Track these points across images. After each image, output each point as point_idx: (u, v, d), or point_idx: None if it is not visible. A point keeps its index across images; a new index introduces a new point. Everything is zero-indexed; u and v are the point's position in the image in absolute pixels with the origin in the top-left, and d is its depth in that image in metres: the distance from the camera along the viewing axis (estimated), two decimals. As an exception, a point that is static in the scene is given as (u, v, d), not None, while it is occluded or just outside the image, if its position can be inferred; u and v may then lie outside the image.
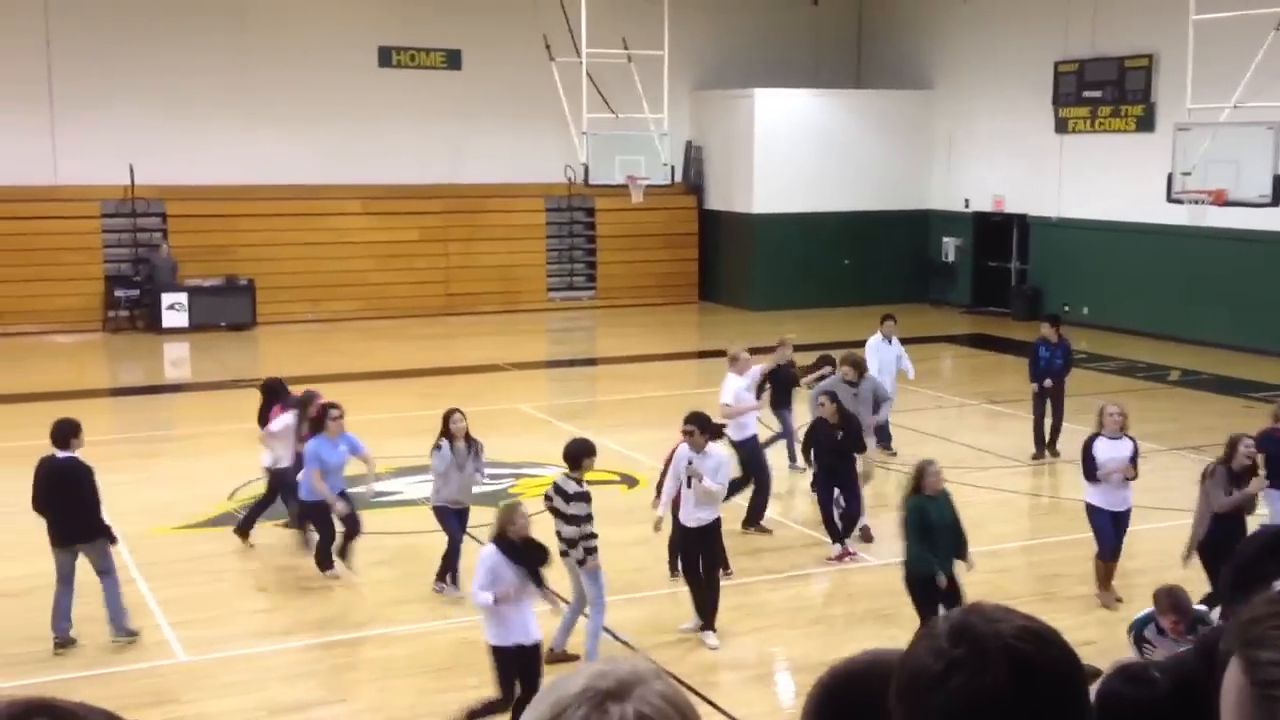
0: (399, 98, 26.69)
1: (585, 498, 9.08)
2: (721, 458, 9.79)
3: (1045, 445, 14.98)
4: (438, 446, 10.47)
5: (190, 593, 10.38)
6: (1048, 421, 14.90)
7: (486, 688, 8.56)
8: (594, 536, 9.10)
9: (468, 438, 10.55)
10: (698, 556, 9.74)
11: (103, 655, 9.25)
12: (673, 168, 25.16)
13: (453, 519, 10.58)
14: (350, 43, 26.21)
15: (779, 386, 13.76)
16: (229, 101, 25.30)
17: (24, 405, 18.08)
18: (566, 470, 9.24)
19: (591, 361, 24.31)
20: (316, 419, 10.89)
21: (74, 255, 24.38)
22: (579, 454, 9.16)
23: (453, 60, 27.20)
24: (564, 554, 9.09)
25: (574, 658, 9.11)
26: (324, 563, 10.88)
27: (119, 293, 24.53)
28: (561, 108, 24.05)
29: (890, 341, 15.02)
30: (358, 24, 26.25)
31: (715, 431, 10.13)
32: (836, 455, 11.57)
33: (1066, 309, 25.78)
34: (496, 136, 27.52)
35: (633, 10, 24.98)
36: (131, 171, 24.37)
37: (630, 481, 13.95)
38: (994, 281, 28.05)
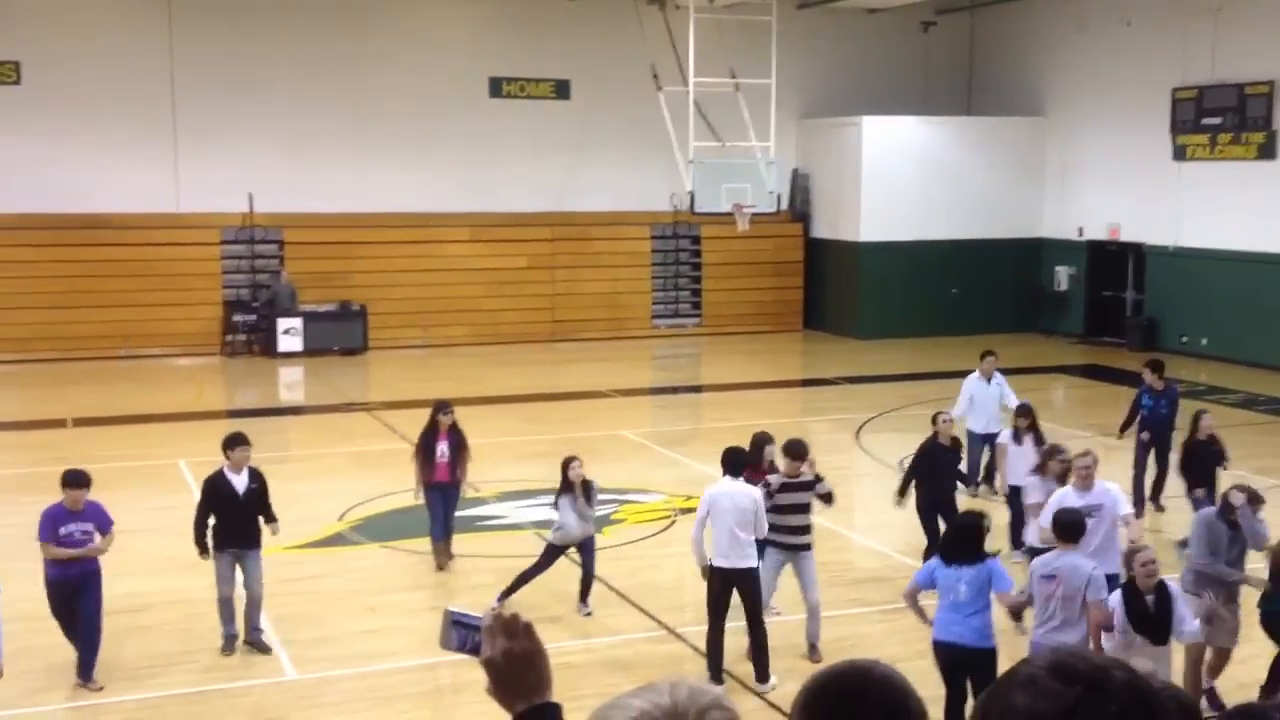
0: (509, 127, 27.11)
1: (810, 486, 9.88)
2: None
3: (1147, 498, 13.89)
4: (562, 494, 10.73)
5: (300, 612, 10.62)
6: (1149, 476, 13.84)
7: (584, 711, 8.61)
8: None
9: (584, 481, 10.74)
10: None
11: (216, 671, 9.50)
12: (779, 196, 25.18)
13: (555, 554, 10.78)
14: (462, 74, 26.71)
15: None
16: (344, 132, 25.93)
17: (149, 426, 18.69)
18: (788, 467, 9.85)
19: (696, 389, 24.35)
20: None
21: (195, 281, 25.15)
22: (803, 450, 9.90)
23: (561, 90, 27.57)
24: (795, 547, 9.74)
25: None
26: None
27: (237, 317, 25.23)
28: (668, 136, 24.23)
29: (989, 381, 14.19)
30: (469, 56, 26.75)
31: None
32: (947, 480, 11.47)
33: (1184, 340, 25.20)
34: (604, 165, 27.79)
35: (740, 39, 25.07)
36: (250, 200, 25.09)
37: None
38: (1108, 312, 27.49)
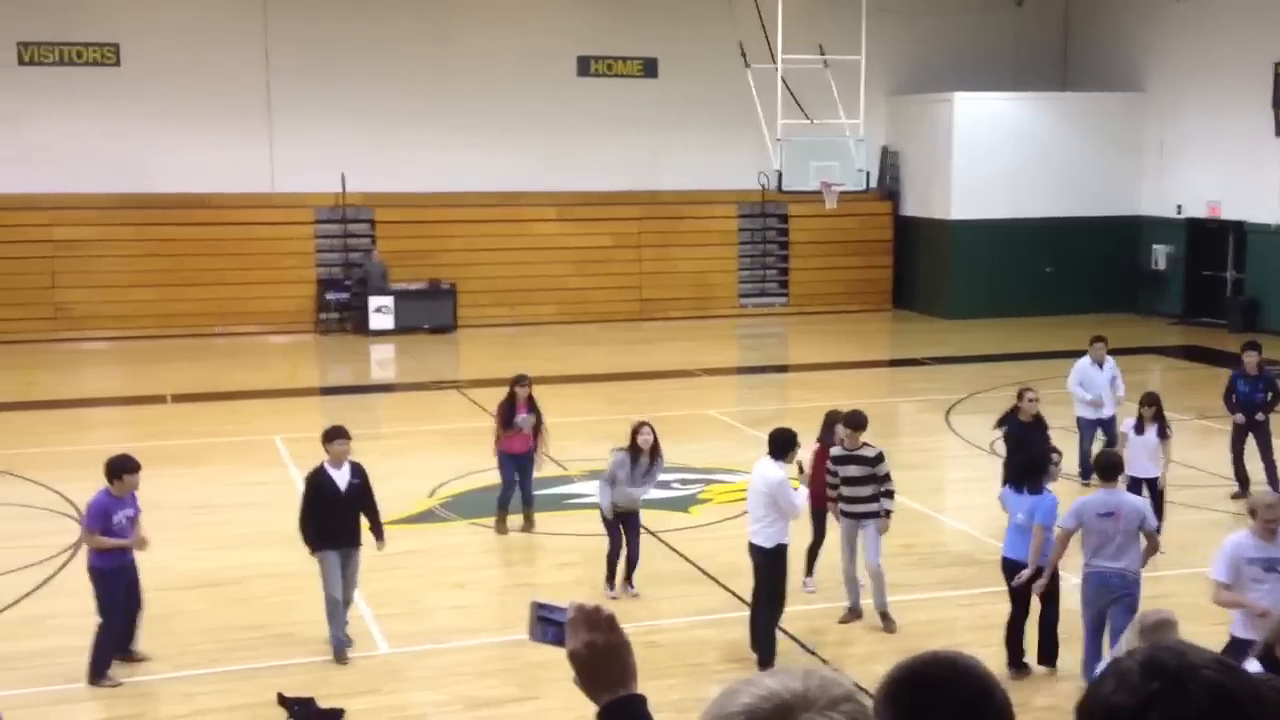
0: (596, 106, 27.14)
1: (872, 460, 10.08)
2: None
3: (1248, 485, 13.25)
4: (622, 452, 10.70)
5: (392, 587, 10.78)
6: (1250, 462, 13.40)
7: (671, 690, 8.66)
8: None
9: (653, 451, 10.67)
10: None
11: (310, 644, 9.69)
12: (868, 173, 24.92)
13: (615, 524, 10.71)
14: (550, 53, 26.79)
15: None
16: (435, 111, 26.16)
17: (245, 402, 19.08)
18: (849, 439, 10.11)
19: (783, 368, 24.26)
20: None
21: (289, 260, 25.59)
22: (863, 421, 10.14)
23: (649, 68, 27.52)
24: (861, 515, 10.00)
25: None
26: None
27: (330, 296, 25.63)
28: (756, 114, 24.08)
29: (1101, 366, 13.68)
30: (557, 35, 26.82)
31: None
32: (1037, 461, 11.31)
33: (1286, 321, 24.53)
34: (691, 143, 27.71)
35: (829, 16, 24.83)
36: (343, 180, 25.43)
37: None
38: (1208, 291, 26.84)
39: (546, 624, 2.35)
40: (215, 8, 25.04)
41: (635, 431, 10.80)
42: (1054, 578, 9.06)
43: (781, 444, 9.54)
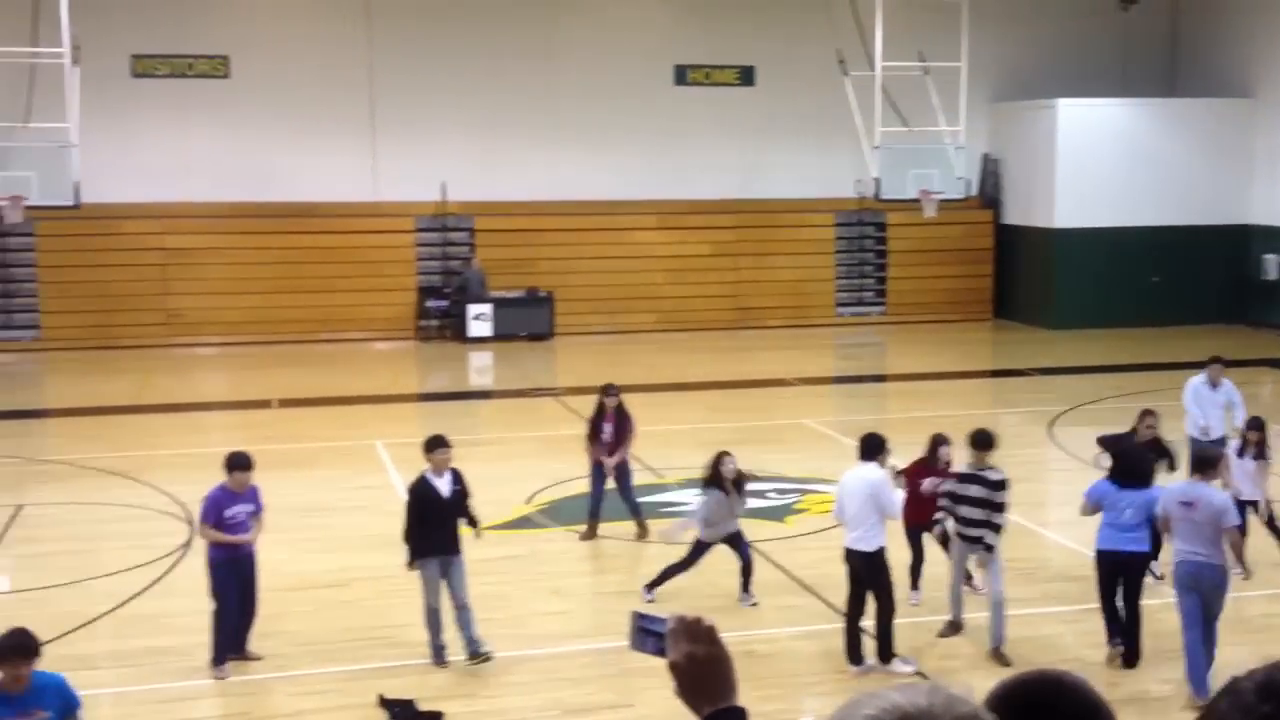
0: (694, 115, 27.20)
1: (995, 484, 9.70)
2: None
3: None
4: (708, 486, 10.64)
5: (489, 592, 10.90)
6: None
7: (769, 701, 8.66)
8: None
9: (737, 478, 10.65)
10: None
11: (411, 647, 9.84)
12: (968, 181, 24.66)
13: (703, 550, 10.69)
14: (648, 62, 26.91)
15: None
16: (533, 121, 26.42)
17: (348, 408, 19.45)
18: (975, 458, 9.77)
19: (880, 378, 24.06)
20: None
21: (391, 268, 26.02)
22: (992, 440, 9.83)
23: (746, 77, 27.52)
24: (973, 539, 9.70)
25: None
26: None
27: (430, 303, 26.00)
28: (854, 122, 23.97)
29: (1216, 387, 13.25)
30: (655, 44, 26.93)
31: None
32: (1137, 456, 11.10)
33: (1406, 333, 23.74)
34: (788, 152, 27.64)
35: (929, 22, 24.61)
36: (444, 188, 25.81)
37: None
38: (1322, 302, 26.06)
39: (647, 634, 2.36)
40: (322, 20, 25.58)
41: (717, 463, 10.67)
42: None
43: (871, 447, 9.60)
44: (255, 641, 9.74)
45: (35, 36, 21.51)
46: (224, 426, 18.64)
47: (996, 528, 9.68)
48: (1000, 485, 9.66)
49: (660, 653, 2.31)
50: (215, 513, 9.37)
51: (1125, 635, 9.46)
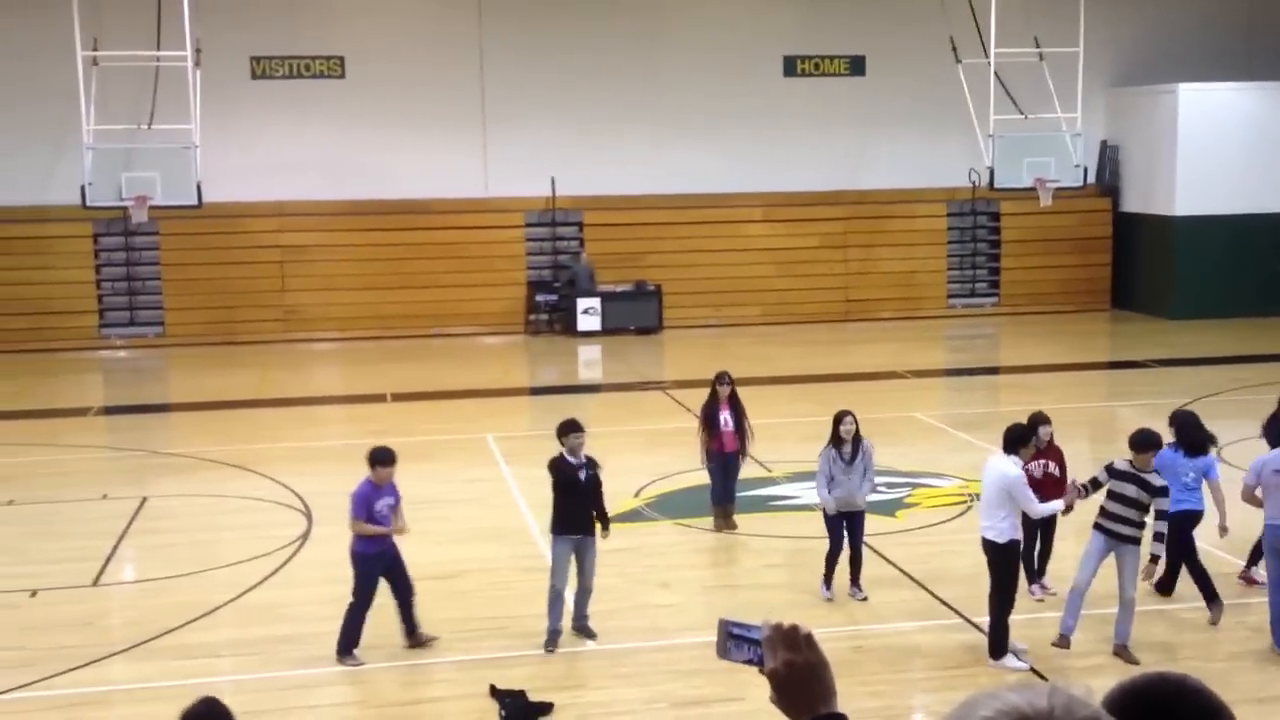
0: (802, 106, 27.01)
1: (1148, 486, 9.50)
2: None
3: None
4: (829, 448, 10.69)
5: (600, 585, 10.94)
6: None
7: (877, 697, 8.58)
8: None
9: (855, 439, 10.61)
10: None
11: (525, 638, 9.95)
12: (1085, 169, 24.10)
13: (836, 522, 10.66)
14: (755, 53, 26.78)
15: None
16: (641, 114, 26.48)
17: (459, 401, 19.72)
18: (1136, 459, 9.57)
19: (993, 370, 23.65)
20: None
21: (501, 263, 26.30)
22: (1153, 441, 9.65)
23: (856, 66, 27.23)
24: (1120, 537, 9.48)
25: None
26: None
27: (539, 298, 26.23)
28: (967, 110, 23.58)
29: None
30: (763, 35, 26.79)
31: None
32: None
33: None
34: (899, 141, 27.30)
35: (1045, 6, 24.12)
36: (553, 184, 26.00)
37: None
38: None
39: (739, 641, 2.31)
40: (433, 20, 25.94)
41: (838, 421, 10.74)
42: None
43: (1012, 439, 9.56)
44: (373, 631, 9.89)
45: (159, 40, 22.17)
46: (339, 420, 19.05)
47: (1162, 536, 9.51)
48: (1163, 491, 9.48)
49: (753, 661, 2.27)
50: (365, 507, 9.59)
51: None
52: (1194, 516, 10.41)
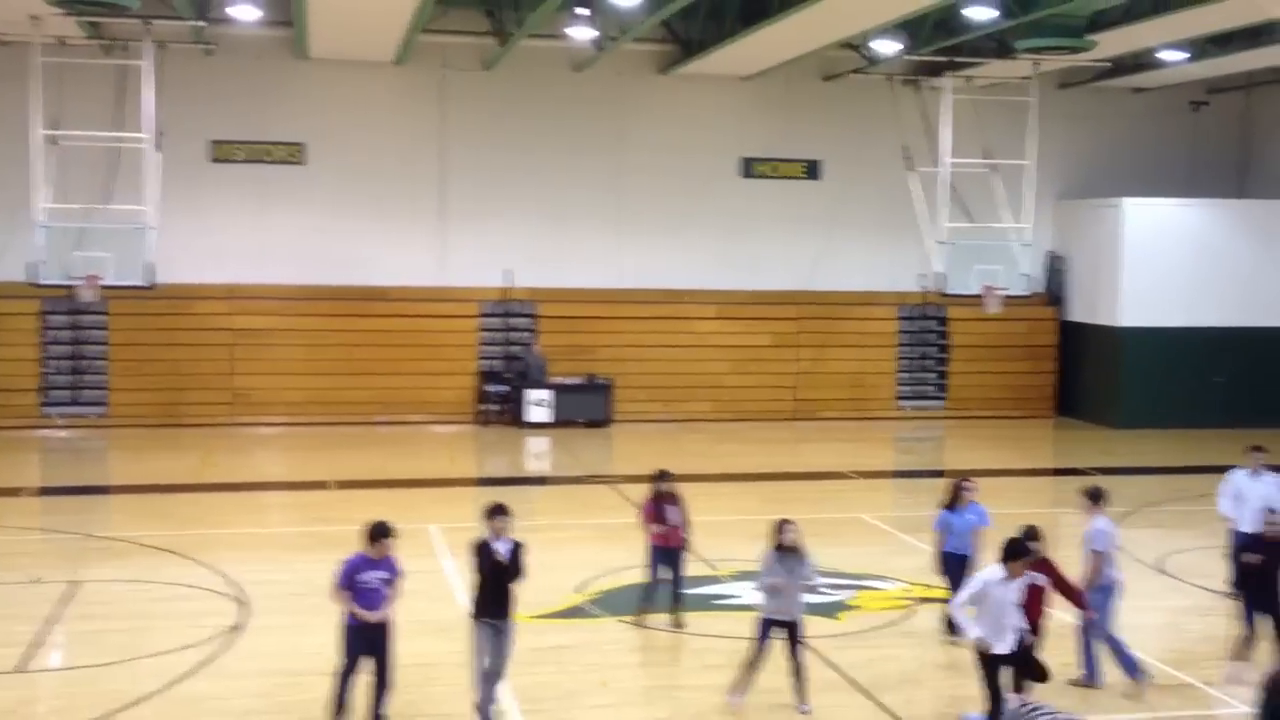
0: (760, 207, 27.40)
1: None
2: None
3: None
4: (772, 558, 10.51)
5: (539, 681, 10.82)
6: None
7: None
8: None
9: (795, 547, 10.51)
10: None
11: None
12: (1032, 278, 24.53)
13: (767, 631, 10.46)
14: (716, 154, 27.21)
15: None
16: (601, 210, 26.76)
17: (404, 490, 19.54)
18: None
19: (939, 473, 23.68)
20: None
21: (453, 352, 26.28)
22: None
23: (812, 170, 27.70)
24: None
25: None
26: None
27: (489, 388, 26.18)
28: (919, 217, 24.02)
29: (1257, 477, 13.53)
30: (723, 137, 27.23)
31: None
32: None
33: None
34: (853, 245, 27.72)
35: (997, 119, 24.69)
36: (509, 275, 26.11)
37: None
38: (1397, 407, 25.49)
39: None
40: (395, 109, 26.17)
41: (779, 530, 10.62)
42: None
43: (1012, 552, 9.61)
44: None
45: (121, 121, 22.21)
46: (281, 506, 18.81)
47: None
48: None
49: None
50: (348, 577, 9.57)
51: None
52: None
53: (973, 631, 9.48)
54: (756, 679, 10.43)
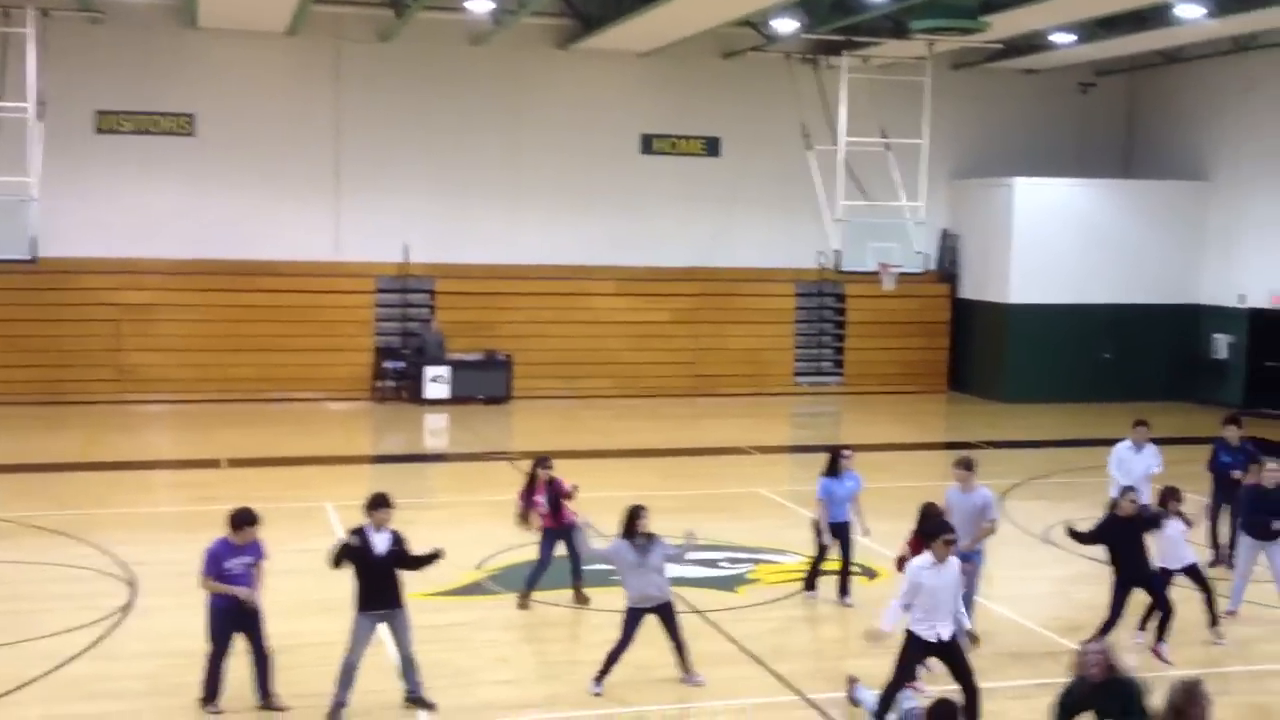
0: (659, 183, 27.43)
1: None
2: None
3: (1222, 553, 13.92)
4: (622, 539, 10.39)
5: (436, 659, 10.75)
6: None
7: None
8: None
9: (647, 533, 10.38)
10: None
11: (362, 715, 9.66)
12: (926, 255, 24.94)
13: (637, 620, 10.35)
14: (614, 131, 27.15)
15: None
16: (499, 186, 26.57)
17: (299, 469, 19.26)
18: None
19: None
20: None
21: (349, 328, 25.93)
22: None
23: (711, 147, 27.79)
24: None
25: None
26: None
27: (387, 364, 25.89)
28: (816, 195, 24.26)
29: (1140, 449, 14.16)
30: (622, 113, 27.19)
31: None
32: (1141, 555, 11.18)
33: (1353, 414, 24.11)
34: (751, 222, 27.90)
35: (893, 99, 24.99)
36: (406, 250, 25.82)
37: (870, 574, 13.70)
38: (1271, 382, 26.44)
39: None
40: (289, 80, 25.66)
41: (635, 515, 10.46)
42: None
43: (926, 534, 9.83)
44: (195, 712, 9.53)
45: (1, 90, 21.46)
46: (170, 485, 18.43)
47: None
48: None
49: None
50: (214, 565, 9.57)
51: None
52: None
53: (887, 619, 9.38)
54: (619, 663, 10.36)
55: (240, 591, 9.52)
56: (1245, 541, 12.25)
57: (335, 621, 10.86)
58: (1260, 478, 12.20)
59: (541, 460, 12.58)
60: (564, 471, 12.75)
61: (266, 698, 9.73)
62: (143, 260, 24.91)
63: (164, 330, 24.90)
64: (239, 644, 9.71)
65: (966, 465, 11.77)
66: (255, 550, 9.78)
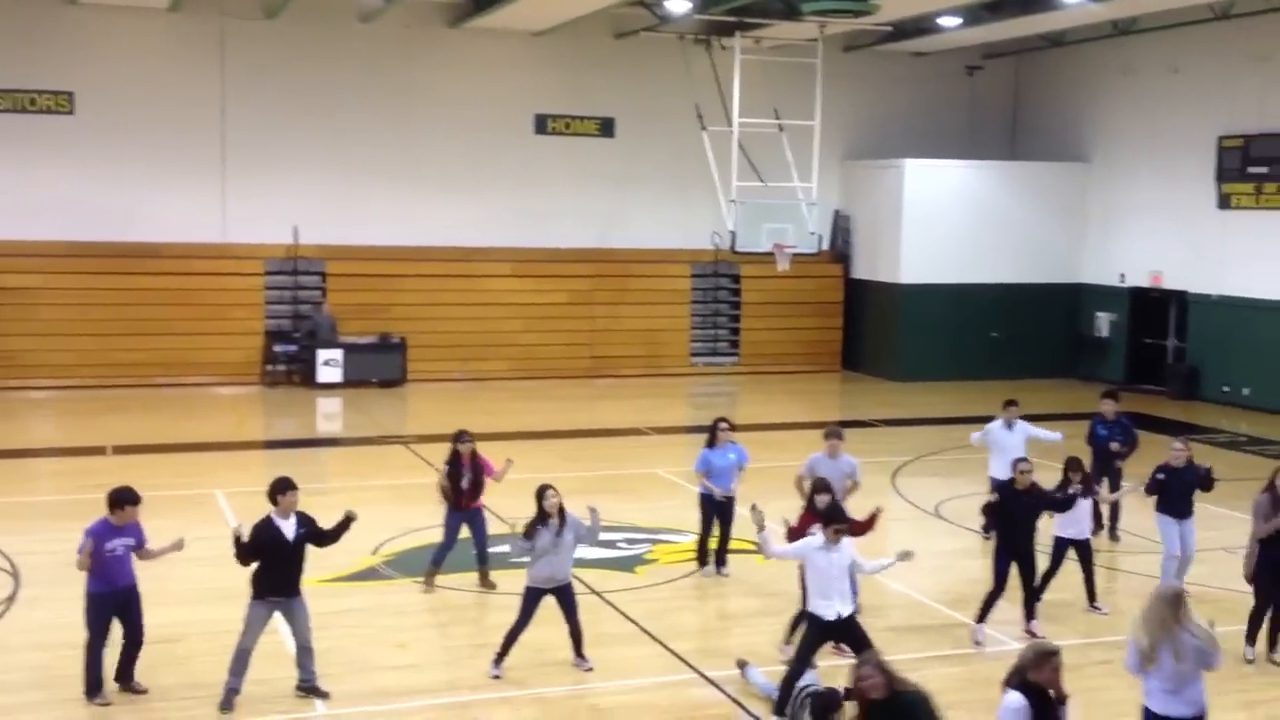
0: (553, 164, 27.31)
1: None
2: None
3: (1104, 527, 14.24)
4: (537, 526, 10.25)
5: (332, 646, 10.61)
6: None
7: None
8: None
9: (561, 512, 10.32)
10: None
11: (247, 704, 9.51)
12: (820, 236, 25.19)
13: (537, 599, 10.29)
14: (508, 110, 26.95)
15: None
16: (390, 166, 26.21)
17: (188, 455, 18.84)
18: None
19: (731, 428, 24.23)
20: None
21: (238, 311, 25.41)
22: None
23: (606, 128, 27.74)
24: None
25: None
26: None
27: (278, 348, 25.44)
28: (711, 176, 24.35)
29: (1011, 427, 14.36)
30: (515, 93, 27.00)
31: None
32: (1024, 528, 11.31)
33: (1226, 390, 24.98)
34: (646, 203, 27.93)
35: (785, 80, 25.16)
36: (295, 232, 25.36)
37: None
38: (1150, 359, 27.27)
39: None
40: (172, 58, 25.01)
41: (540, 495, 10.36)
42: None
43: (824, 518, 9.82)
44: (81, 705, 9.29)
45: None
46: (53, 474, 17.91)
47: None
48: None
49: None
50: (95, 546, 9.34)
51: None
52: None
53: (770, 548, 9.46)
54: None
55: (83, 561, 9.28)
56: (1163, 520, 12.27)
57: (227, 610, 10.68)
58: (1169, 458, 12.37)
59: (459, 435, 12.46)
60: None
61: (129, 681, 9.61)
62: (21, 243, 24.11)
63: (43, 315, 24.16)
64: (116, 632, 9.53)
65: (838, 435, 12.72)
66: (135, 532, 9.58)
